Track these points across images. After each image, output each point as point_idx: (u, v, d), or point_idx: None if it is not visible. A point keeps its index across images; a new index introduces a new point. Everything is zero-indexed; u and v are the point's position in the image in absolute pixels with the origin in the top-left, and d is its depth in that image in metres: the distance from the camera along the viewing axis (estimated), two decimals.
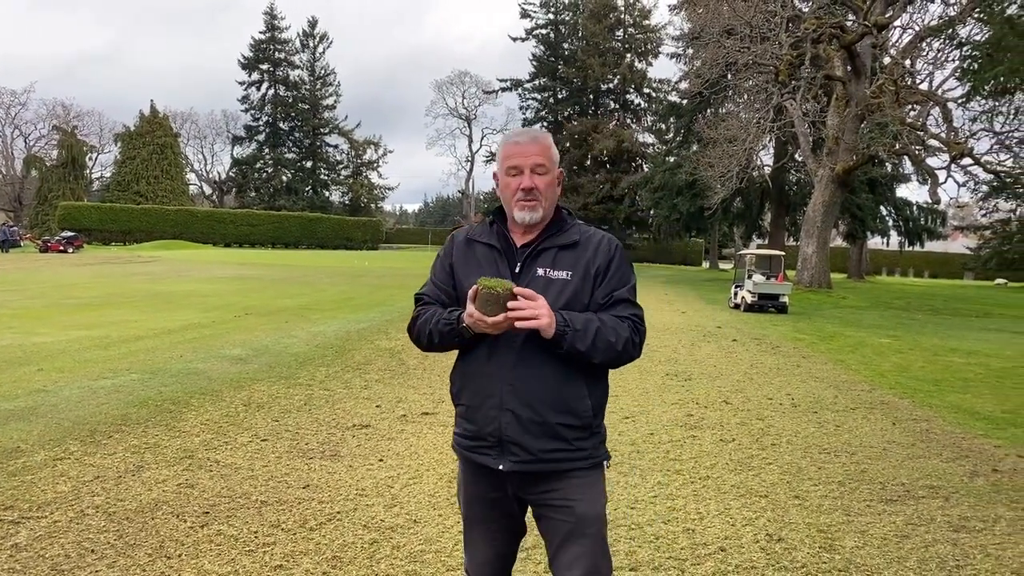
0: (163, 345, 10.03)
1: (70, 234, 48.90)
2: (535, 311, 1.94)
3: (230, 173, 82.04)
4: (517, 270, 2.12)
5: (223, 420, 6.06)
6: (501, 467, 2.07)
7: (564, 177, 2.28)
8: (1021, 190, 38.14)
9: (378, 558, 3.55)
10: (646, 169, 54.01)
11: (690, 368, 9.69)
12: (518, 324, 1.94)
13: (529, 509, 2.25)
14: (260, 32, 78.48)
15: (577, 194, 58.49)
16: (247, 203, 76.25)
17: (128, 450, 5.11)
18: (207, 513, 4.04)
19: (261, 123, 79.54)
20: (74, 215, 57.89)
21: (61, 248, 45.20)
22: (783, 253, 24.31)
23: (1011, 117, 26.71)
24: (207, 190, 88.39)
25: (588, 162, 62.15)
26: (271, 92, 79.19)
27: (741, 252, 27.58)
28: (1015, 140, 29.02)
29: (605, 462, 2.19)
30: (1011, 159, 29.69)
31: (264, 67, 78.59)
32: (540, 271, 2.11)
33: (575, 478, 2.10)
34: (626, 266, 2.17)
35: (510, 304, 1.93)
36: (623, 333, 2.05)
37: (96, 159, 78.15)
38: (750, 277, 20.52)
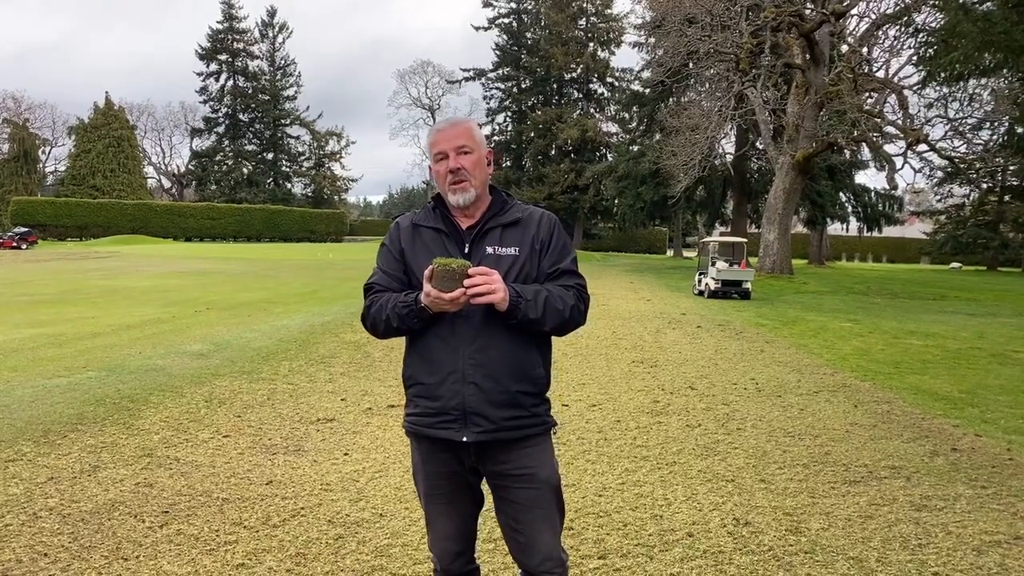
0: (121, 342, 9.80)
1: (23, 230, 47.75)
2: (491, 285, 2.01)
3: (189, 166, 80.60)
4: (466, 250, 2.19)
5: (183, 417, 5.92)
6: (464, 438, 2.13)
7: (495, 156, 2.34)
8: (974, 176, 39.11)
9: (344, 553, 3.49)
10: (610, 158, 54.25)
11: (656, 355, 9.74)
12: (475, 300, 2.01)
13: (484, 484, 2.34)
14: (218, 22, 77.21)
15: (542, 184, 58.59)
16: (207, 196, 74.98)
17: (84, 450, 4.97)
18: (166, 512, 3.93)
19: (220, 115, 78.23)
20: (27, 210, 56.48)
21: (14, 244, 44.12)
22: (745, 240, 24.57)
23: (965, 104, 27.33)
24: (166, 183, 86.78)
25: (552, 151, 62.28)
26: (230, 83, 77.91)
27: (704, 240, 27.85)
28: (968, 127, 29.72)
29: (553, 428, 2.30)
30: (964, 145, 30.42)
31: (222, 57, 77.27)
32: (489, 249, 2.19)
33: (531, 445, 2.21)
34: (566, 239, 2.30)
35: (467, 282, 1.99)
36: (569, 301, 2.18)
37: (49, 153, 76.39)
38: (713, 264, 20.70)
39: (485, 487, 2.35)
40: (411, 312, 2.11)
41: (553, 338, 2.31)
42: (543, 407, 2.26)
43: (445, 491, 2.28)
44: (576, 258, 2.31)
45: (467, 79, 68.91)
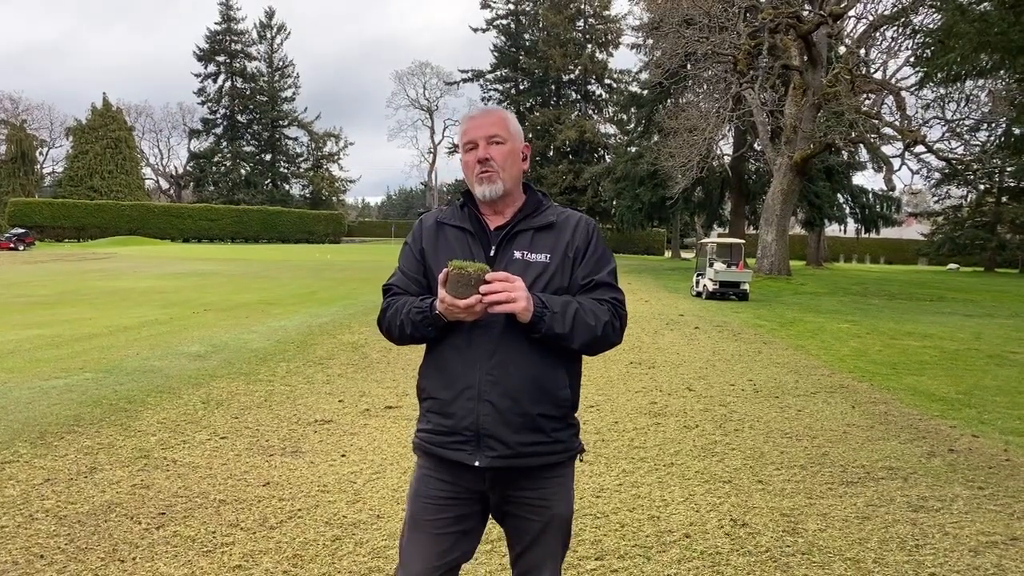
0: (118, 343, 9.79)
1: (21, 231, 47.69)
2: (511, 293, 1.81)
3: (187, 167, 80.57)
4: (492, 253, 2.00)
5: (180, 418, 5.92)
6: (477, 463, 1.93)
7: (529, 151, 2.15)
8: (972, 177, 39.16)
9: (340, 555, 3.49)
10: (608, 159, 54.33)
11: (654, 356, 9.74)
12: (493, 309, 1.82)
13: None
14: (216, 23, 77.21)
15: (541, 185, 58.43)
16: (205, 197, 74.99)
17: (80, 451, 4.96)
18: (163, 514, 3.93)
19: (218, 116, 78.27)
20: (25, 211, 56.43)
21: (11, 246, 44.05)
22: (743, 241, 24.58)
23: (962, 105, 27.36)
24: (164, 185, 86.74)
25: (551, 153, 62.32)
26: (228, 84, 77.92)
27: (702, 241, 27.84)
28: (966, 128, 29.74)
29: (580, 454, 2.11)
30: (962, 146, 30.42)
31: (220, 59, 77.27)
32: (517, 254, 2.00)
33: (551, 475, 2.03)
34: (605, 248, 2.09)
35: (484, 288, 1.80)
36: (603, 317, 1.97)
37: (47, 154, 76.28)
38: (711, 265, 20.71)
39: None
40: (425, 319, 1.93)
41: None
42: (567, 432, 2.04)
43: (447, 521, 2.02)
44: (615, 270, 2.09)
45: (465, 80, 69.04)
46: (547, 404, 1.97)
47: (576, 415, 2.11)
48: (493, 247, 2.01)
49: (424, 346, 2.09)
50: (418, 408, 2.12)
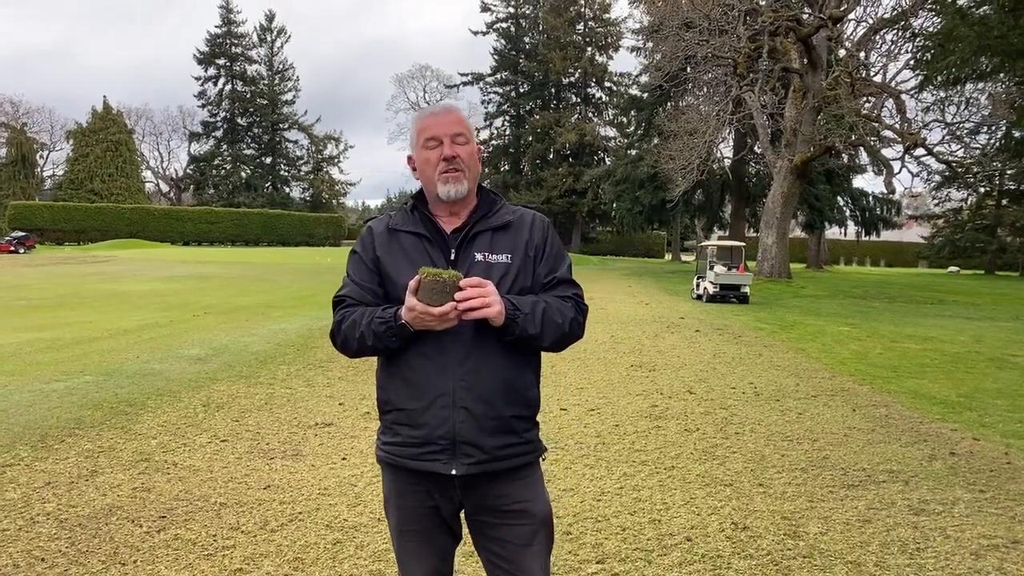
0: (119, 346, 9.79)
1: (21, 234, 47.68)
2: (485, 299, 1.79)
3: (187, 170, 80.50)
4: (452, 257, 1.96)
5: (181, 421, 5.92)
6: (454, 471, 1.90)
7: (483, 152, 2.14)
8: (972, 180, 39.21)
9: (341, 558, 3.49)
10: (608, 162, 54.41)
11: (654, 359, 9.74)
12: (468, 315, 1.79)
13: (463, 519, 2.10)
14: (216, 26, 77.19)
15: (540, 188, 58.71)
16: (205, 200, 74.99)
17: (81, 454, 4.96)
18: (164, 517, 3.93)
19: (218, 119, 78.24)
20: (25, 215, 56.37)
21: (12, 249, 44.05)
22: (744, 244, 24.57)
23: (962, 108, 27.41)
24: (164, 188, 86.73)
25: (551, 156, 62.44)
26: (228, 87, 77.89)
27: (703, 244, 27.83)
28: (965, 131, 29.78)
29: (543, 454, 2.10)
30: (962, 149, 30.47)
31: (221, 62, 77.26)
32: (479, 256, 1.96)
33: (523, 476, 2.01)
34: (560, 243, 2.09)
35: (459, 295, 1.76)
36: (568, 313, 1.96)
37: (47, 157, 76.23)
38: (712, 268, 20.70)
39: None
40: (389, 329, 1.86)
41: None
42: (534, 431, 2.04)
43: (424, 529, 2.03)
44: (571, 264, 2.09)
45: (465, 84, 69.05)
46: (519, 405, 1.96)
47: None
48: (452, 250, 1.97)
49: (377, 358, 2.04)
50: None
